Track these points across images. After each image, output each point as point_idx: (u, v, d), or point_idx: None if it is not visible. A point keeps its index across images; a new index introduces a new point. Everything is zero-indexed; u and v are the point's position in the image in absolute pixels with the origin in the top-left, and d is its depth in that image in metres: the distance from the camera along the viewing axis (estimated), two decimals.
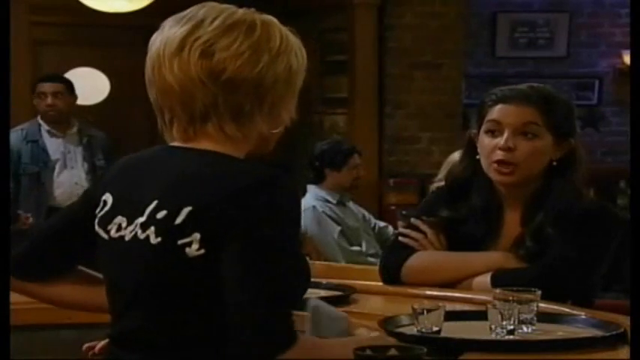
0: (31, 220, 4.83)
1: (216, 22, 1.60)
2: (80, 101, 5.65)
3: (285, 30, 1.66)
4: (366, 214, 5.15)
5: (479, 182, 2.42)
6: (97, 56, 7.76)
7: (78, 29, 7.56)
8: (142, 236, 1.57)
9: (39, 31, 6.95)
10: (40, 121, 5.27)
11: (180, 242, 1.52)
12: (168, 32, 1.61)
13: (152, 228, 1.56)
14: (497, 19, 8.46)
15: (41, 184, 5.16)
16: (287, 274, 1.51)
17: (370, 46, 7.08)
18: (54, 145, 5.23)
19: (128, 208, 1.61)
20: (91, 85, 7.40)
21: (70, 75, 6.27)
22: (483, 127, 2.42)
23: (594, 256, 2.33)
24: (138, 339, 1.59)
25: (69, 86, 5.33)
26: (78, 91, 5.46)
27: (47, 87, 5.28)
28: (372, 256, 4.79)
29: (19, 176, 5.11)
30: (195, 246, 1.51)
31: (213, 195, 1.53)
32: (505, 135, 2.36)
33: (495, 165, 2.36)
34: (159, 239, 1.55)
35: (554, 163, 2.38)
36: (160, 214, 1.56)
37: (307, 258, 1.75)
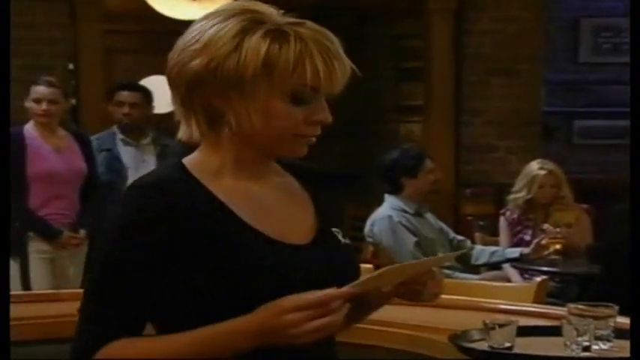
0: (81, 237, 4.83)
1: None
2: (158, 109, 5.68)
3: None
4: (444, 226, 5.13)
5: None
6: None
7: (150, 37, 7.66)
8: None
9: (111, 39, 7.07)
10: (115, 130, 5.35)
11: None
12: None
13: None
14: (579, 23, 8.36)
15: (115, 192, 5.24)
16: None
17: (446, 52, 7.04)
18: (128, 154, 5.30)
19: None
20: (163, 93, 7.49)
21: (142, 83, 6.35)
22: None
23: None
24: None
25: (147, 96, 5.37)
26: None
27: (125, 96, 5.35)
28: (447, 268, 4.76)
29: None
30: None
31: None
32: None
33: None
34: None
35: None
36: None
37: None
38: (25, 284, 4.60)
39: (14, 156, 4.55)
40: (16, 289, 4.48)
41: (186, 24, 1.64)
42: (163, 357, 1.51)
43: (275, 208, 1.63)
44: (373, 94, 7.73)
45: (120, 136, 5.31)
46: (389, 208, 4.94)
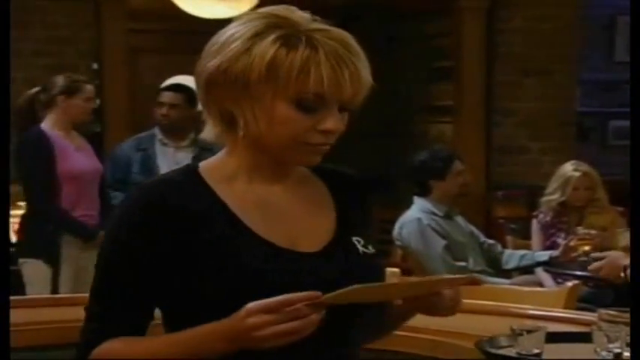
0: None
1: None
2: None
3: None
4: (475, 230, 5.09)
5: None
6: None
7: (176, 36, 7.69)
8: None
9: (136, 38, 7.10)
10: (156, 131, 5.37)
11: None
12: None
13: None
14: (615, 21, 8.30)
15: None
16: (100, 281, 1.60)
17: (478, 52, 7.02)
18: (164, 155, 5.30)
19: None
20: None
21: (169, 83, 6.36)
22: None
23: None
24: None
25: (189, 98, 5.34)
26: None
27: (166, 97, 5.35)
28: (478, 273, 4.74)
29: (127, 185, 5.19)
30: None
31: None
32: None
33: None
34: None
35: None
36: None
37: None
38: (55, 288, 4.61)
39: (42, 155, 4.56)
40: (45, 292, 4.50)
41: (212, 23, 1.66)
42: (147, 357, 1.54)
43: (286, 215, 1.63)
44: (403, 95, 7.71)
45: (159, 136, 5.32)
46: (418, 210, 4.92)
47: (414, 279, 1.59)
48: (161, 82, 6.31)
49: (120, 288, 1.57)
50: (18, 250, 4.72)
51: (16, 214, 4.78)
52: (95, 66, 6.78)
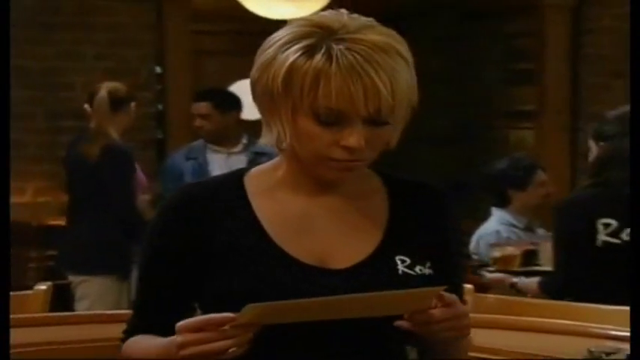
0: None
1: None
2: (246, 115, 5.65)
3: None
4: None
5: None
6: None
7: (243, 38, 7.72)
8: None
9: (201, 40, 7.16)
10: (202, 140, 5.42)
11: None
12: None
13: None
14: None
15: None
16: (139, 278, 1.71)
17: (562, 53, 6.95)
18: (217, 162, 5.34)
19: None
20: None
21: (235, 87, 6.37)
22: None
23: None
24: None
25: (220, 104, 5.32)
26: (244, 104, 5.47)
27: (195, 108, 5.40)
28: None
29: None
30: None
31: None
32: None
33: None
34: None
35: None
36: None
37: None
38: (128, 302, 4.67)
39: (127, 170, 4.67)
40: (119, 307, 4.56)
41: (280, 24, 1.66)
42: (142, 357, 1.65)
43: (322, 231, 1.64)
44: (480, 98, 7.67)
45: (208, 144, 5.37)
46: (497, 222, 4.87)
47: (369, 294, 1.52)
48: (227, 86, 6.35)
49: (150, 287, 1.68)
50: (82, 265, 4.77)
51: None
52: (158, 70, 6.84)
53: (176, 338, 1.51)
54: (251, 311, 1.46)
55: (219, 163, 5.33)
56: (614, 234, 3.59)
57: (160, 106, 6.67)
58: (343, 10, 1.64)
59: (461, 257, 1.79)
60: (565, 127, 6.97)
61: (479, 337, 1.76)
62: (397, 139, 1.64)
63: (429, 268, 1.65)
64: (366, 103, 1.54)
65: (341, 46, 1.55)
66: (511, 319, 2.40)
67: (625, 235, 3.55)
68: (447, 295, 1.55)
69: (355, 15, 1.63)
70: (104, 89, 4.76)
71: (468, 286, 3.26)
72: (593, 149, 3.94)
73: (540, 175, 4.91)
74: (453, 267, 1.71)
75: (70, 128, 5.93)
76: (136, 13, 6.65)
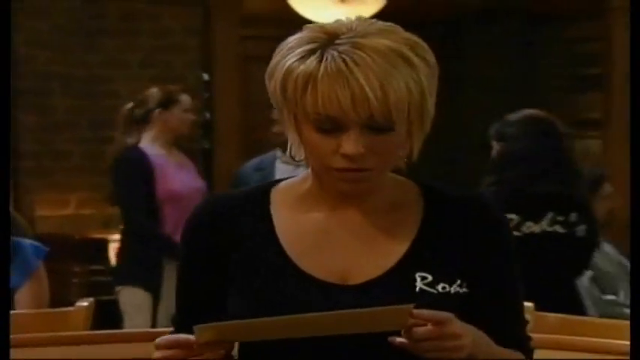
0: None
1: None
2: None
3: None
4: (624, 260, 4.98)
5: None
6: None
7: None
8: None
9: (250, 45, 7.18)
10: (278, 149, 5.45)
11: None
12: None
13: None
14: None
15: None
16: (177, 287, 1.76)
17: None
18: (285, 174, 5.34)
19: None
20: None
21: None
22: None
23: None
24: None
25: None
26: None
27: (274, 113, 5.42)
28: (629, 307, 4.61)
29: None
30: None
31: None
32: None
33: None
34: None
35: None
36: None
37: None
38: (154, 316, 4.68)
39: (141, 176, 4.63)
40: (145, 321, 4.57)
41: None
42: None
43: (339, 246, 1.64)
44: (543, 105, 7.56)
45: (279, 154, 5.39)
46: None
47: (331, 313, 1.50)
48: None
49: (184, 289, 1.73)
50: (115, 277, 4.80)
51: (116, 238, 4.89)
52: (205, 77, 6.87)
53: (155, 353, 1.57)
54: (201, 332, 1.51)
55: (289, 174, 5.33)
56: (516, 228, 3.83)
57: (207, 115, 6.68)
58: (363, 16, 1.65)
59: (514, 276, 1.70)
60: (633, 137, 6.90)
61: (540, 357, 1.72)
62: (418, 148, 1.62)
63: (464, 287, 1.62)
64: (355, 108, 1.53)
65: (334, 51, 1.54)
66: (573, 340, 2.36)
67: (525, 228, 3.90)
68: (439, 313, 1.52)
69: (374, 20, 1.61)
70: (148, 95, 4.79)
71: (528, 304, 3.22)
72: (495, 148, 4.08)
73: (606, 188, 4.85)
74: (500, 287, 1.66)
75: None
76: (182, 18, 6.67)
